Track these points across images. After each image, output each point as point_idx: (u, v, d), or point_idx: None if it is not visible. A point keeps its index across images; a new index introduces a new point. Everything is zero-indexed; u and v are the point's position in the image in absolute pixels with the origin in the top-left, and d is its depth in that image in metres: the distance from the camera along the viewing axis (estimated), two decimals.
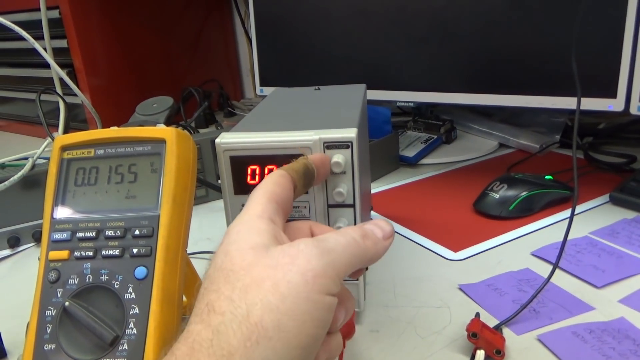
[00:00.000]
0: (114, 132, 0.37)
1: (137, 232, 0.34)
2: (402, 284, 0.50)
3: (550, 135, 0.86)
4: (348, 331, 0.37)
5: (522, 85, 0.77)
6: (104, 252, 0.34)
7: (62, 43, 1.05)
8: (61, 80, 0.96)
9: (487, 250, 0.55)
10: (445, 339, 0.41)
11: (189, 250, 0.46)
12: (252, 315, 0.24)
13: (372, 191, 0.74)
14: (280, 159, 0.40)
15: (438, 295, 0.48)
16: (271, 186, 0.32)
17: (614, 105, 0.71)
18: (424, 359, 0.39)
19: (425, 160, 0.84)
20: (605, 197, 0.65)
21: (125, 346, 0.32)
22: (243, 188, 0.41)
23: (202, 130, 0.99)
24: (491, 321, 0.42)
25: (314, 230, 0.34)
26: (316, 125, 0.40)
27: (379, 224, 0.32)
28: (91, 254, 0.34)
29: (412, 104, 0.90)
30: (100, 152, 0.37)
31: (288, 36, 1.00)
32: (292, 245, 0.27)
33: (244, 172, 0.41)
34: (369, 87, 0.64)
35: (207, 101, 1.04)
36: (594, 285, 0.47)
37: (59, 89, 0.97)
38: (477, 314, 0.42)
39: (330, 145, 0.39)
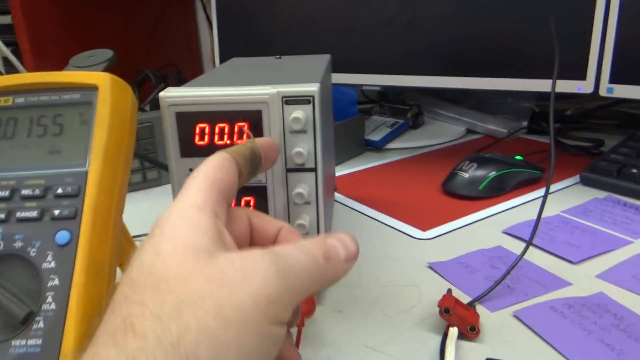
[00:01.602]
0: (37, 76, 0.32)
1: (59, 190, 0.29)
2: (367, 263, 0.46)
3: (518, 121, 0.85)
4: (308, 309, 0.33)
5: (491, 69, 0.75)
6: (18, 214, 0.29)
7: (6, 19, 0.98)
8: (5, 59, 0.89)
9: (457, 229, 0.52)
10: (415, 318, 0.38)
11: (135, 233, 0.42)
12: (184, 344, 0.19)
13: (336, 174, 0.70)
14: (232, 116, 0.35)
15: (406, 274, 0.44)
16: (214, 171, 0.26)
17: (584, 87, 0.70)
18: (392, 338, 0.36)
19: (391, 145, 0.81)
20: (575, 178, 0.63)
21: (41, 324, 0.27)
22: (191, 150, 0.36)
23: None
24: (463, 299, 0.39)
25: (252, 221, 0.29)
26: (274, 83, 0.36)
27: (343, 241, 0.26)
28: (3, 216, 0.29)
29: (378, 88, 0.87)
30: (20, 100, 0.32)
31: (250, 20, 0.95)
32: (245, 257, 0.22)
33: (191, 131, 0.36)
34: (334, 71, 0.60)
35: (164, 83, 0.98)
36: (570, 261, 0.44)
37: (1, 68, 0.90)
38: (449, 290, 0.39)
39: (290, 100, 0.35)
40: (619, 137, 0.77)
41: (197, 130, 0.36)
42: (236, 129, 0.36)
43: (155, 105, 1.01)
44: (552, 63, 0.71)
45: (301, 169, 0.36)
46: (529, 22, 0.71)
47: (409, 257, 0.47)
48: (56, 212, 0.29)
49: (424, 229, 0.52)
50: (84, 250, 0.28)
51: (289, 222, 0.38)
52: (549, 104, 0.89)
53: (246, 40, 0.96)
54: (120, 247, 0.32)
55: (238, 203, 0.38)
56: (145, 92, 1.08)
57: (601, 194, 0.58)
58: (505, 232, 0.50)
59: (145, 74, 1.06)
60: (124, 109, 0.32)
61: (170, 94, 0.35)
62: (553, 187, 0.61)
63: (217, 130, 0.36)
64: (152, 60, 1.20)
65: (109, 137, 0.31)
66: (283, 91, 0.35)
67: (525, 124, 0.84)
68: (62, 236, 0.28)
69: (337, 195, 0.62)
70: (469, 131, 0.87)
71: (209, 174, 0.26)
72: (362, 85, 0.84)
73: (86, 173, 0.30)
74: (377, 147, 0.79)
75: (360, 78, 0.84)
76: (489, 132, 0.84)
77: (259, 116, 0.35)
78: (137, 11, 1.18)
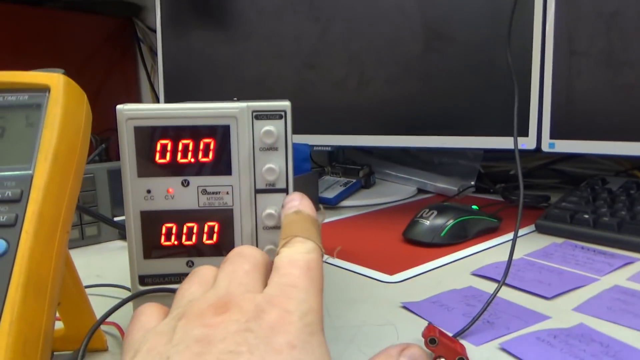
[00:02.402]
0: None
1: None
2: (336, 305, 0.42)
3: (466, 180, 0.86)
4: None
5: (438, 127, 0.77)
6: None
7: None
8: None
9: (424, 273, 0.50)
10: None
11: None
12: None
13: None
14: (198, 132, 0.33)
15: (379, 314, 0.41)
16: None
17: (527, 143, 0.73)
18: None
19: (345, 203, 0.79)
20: (531, 227, 0.64)
21: None
22: (149, 169, 0.33)
23: None
24: None
25: None
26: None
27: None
28: None
29: (329, 148, 0.87)
30: None
31: (198, 87, 0.95)
32: None
33: (152, 148, 0.33)
34: None
35: (105, 144, 0.94)
36: (544, 297, 0.43)
37: None
38: (430, 323, 0.36)
39: (260, 115, 0.33)
40: (561, 193, 0.80)
41: (158, 148, 0.33)
42: (202, 145, 0.33)
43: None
44: (495, 121, 0.74)
45: (271, 189, 0.34)
46: (472, 82, 0.74)
47: (379, 299, 0.44)
48: None
49: (390, 273, 0.49)
50: (22, 262, 0.23)
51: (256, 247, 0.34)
52: (494, 165, 0.92)
53: None
54: (62, 283, 0.27)
55: (201, 229, 0.34)
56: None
57: (558, 240, 0.59)
58: (474, 274, 0.49)
59: None
60: (78, 113, 0.29)
61: (129, 106, 0.32)
62: (511, 235, 0.61)
63: (180, 147, 0.33)
64: (93, 126, 1.16)
65: (59, 140, 0.27)
66: (254, 105, 0.33)
67: (472, 183, 0.86)
68: None
69: None
70: (420, 190, 0.88)
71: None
72: (313, 147, 0.84)
73: (31, 176, 0.26)
74: (332, 204, 0.77)
75: (311, 139, 0.84)
76: (440, 191, 0.85)
77: (227, 131, 0.33)
78: (79, 78, 1.15)
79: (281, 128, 0.33)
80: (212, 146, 0.33)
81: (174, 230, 0.34)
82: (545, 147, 0.72)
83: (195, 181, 0.33)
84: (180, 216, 0.34)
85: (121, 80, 1.27)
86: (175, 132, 0.33)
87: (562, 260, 0.52)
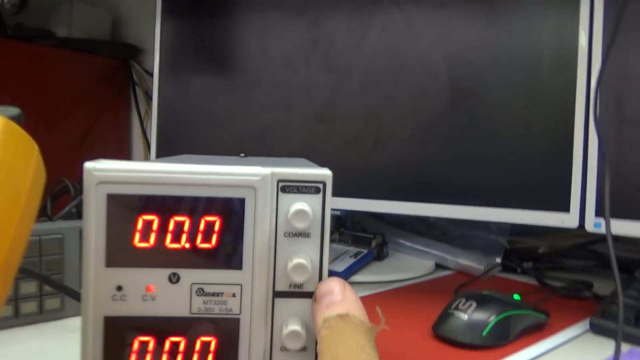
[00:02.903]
0: None
1: None
2: None
3: (490, 257, 0.77)
4: None
5: (465, 196, 0.68)
6: None
7: None
8: None
9: None
10: None
11: None
12: None
13: None
14: (198, 206, 0.23)
15: None
16: None
17: (567, 220, 0.64)
18: None
19: (355, 278, 0.69)
20: (581, 326, 0.53)
21: None
22: (124, 255, 0.23)
23: None
24: None
25: None
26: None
27: None
28: None
29: (337, 213, 0.77)
30: None
31: (194, 142, 0.86)
32: None
33: (130, 225, 0.23)
34: None
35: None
36: None
37: None
38: None
39: (289, 187, 0.23)
40: (599, 278, 0.70)
41: (140, 225, 0.23)
42: (202, 225, 0.23)
43: (72, 219, 0.85)
44: (530, 192, 0.65)
45: (298, 293, 0.23)
46: (504, 149, 0.66)
47: None
48: None
49: None
50: None
51: None
52: (520, 240, 0.83)
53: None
54: None
55: (191, 346, 0.23)
56: (61, 206, 0.92)
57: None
58: None
59: (64, 184, 0.91)
60: (19, 175, 0.19)
61: (103, 165, 0.23)
62: (562, 336, 0.51)
63: (171, 226, 0.23)
64: (75, 172, 1.06)
65: None
66: (280, 173, 0.23)
67: (499, 260, 0.76)
68: None
69: None
70: (438, 266, 0.77)
71: None
72: None
73: None
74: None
75: None
76: (462, 269, 0.75)
77: (240, 208, 0.23)
78: (66, 120, 1.07)
79: (318, 207, 0.23)
80: (216, 227, 0.23)
81: (151, 347, 0.23)
82: (589, 227, 0.62)
83: (189, 276, 0.23)
84: (162, 326, 0.23)
85: (111, 124, 1.18)
86: (166, 205, 0.23)
87: None
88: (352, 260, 0.70)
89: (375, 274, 0.70)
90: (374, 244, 0.75)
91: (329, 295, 0.22)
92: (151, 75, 1.15)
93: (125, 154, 1.23)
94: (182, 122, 0.89)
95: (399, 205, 0.71)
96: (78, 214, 0.87)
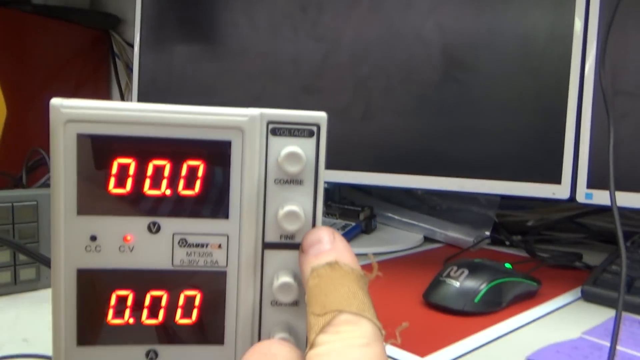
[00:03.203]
0: None
1: None
2: None
3: (479, 230, 0.76)
4: None
5: (456, 168, 0.67)
6: None
7: None
8: None
9: (466, 355, 0.38)
10: None
11: None
12: None
13: None
14: (180, 148, 0.21)
15: None
16: None
17: (558, 192, 0.63)
18: None
19: None
20: (573, 294, 0.53)
21: None
22: (98, 203, 0.21)
23: None
24: None
25: None
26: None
27: None
28: None
29: (325, 185, 0.76)
30: None
31: None
32: None
33: (104, 170, 0.21)
34: None
35: None
36: None
37: None
38: None
39: (280, 129, 0.21)
40: (588, 250, 0.70)
41: (115, 169, 0.21)
42: (184, 170, 0.21)
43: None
44: (523, 163, 0.64)
45: (289, 244, 0.22)
46: (497, 120, 0.65)
47: None
48: None
49: (422, 355, 0.37)
50: None
51: (259, 332, 0.22)
52: (509, 213, 0.82)
53: None
54: None
55: (174, 300, 0.22)
56: (36, 179, 0.89)
57: (611, 312, 0.48)
58: (532, 359, 0.37)
59: (40, 155, 0.88)
60: None
61: (70, 102, 0.20)
62: (555, 303, 0.50)
63: (150, 170, 0.21)
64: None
65: None
66: (270, 114, 0.21)
67: (487, 233, 0.75)
68: None
69: None
70: (427, 239, 0.76)
71: None
72: None
73: None
74: None
75: None
76: (451, 241, 0.74)
77: (226, 151, 0.21)
78: (45, 87, 1.03)
79: (311, 151, 0.21)
80: (200, 172, 0.21)
81: (129, 301, 0.21)
82: (580, 198, 0.62)
83: (170, 226, 0.21)
84: (142, 279, 0.21)
85: (91, 96, 1.14)
86: (144, 147, 0.21)
87: (633, 344, 0.41)
88: (340, 233, 0.69)
89: (363, 247, 0.69)
90: (362, 216, 0.74)
91: (317, 245, 0.20)
92: (132, 46, 1.11)
93: None
94: (164, 94, 0.86)
95: (388, 178, 0.69)
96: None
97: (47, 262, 0.48)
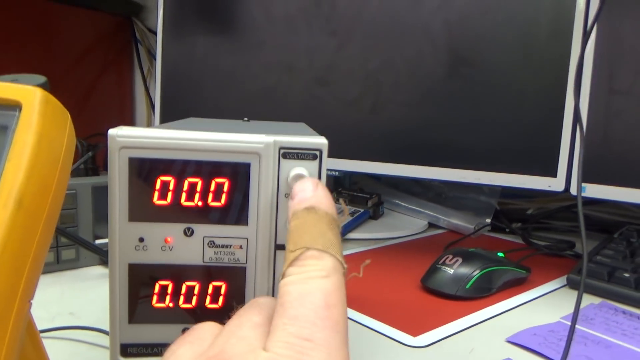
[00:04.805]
0: None
1: None
2: None
3: (480, 217, 0.80)
4: None
5: (459, 159, 0.71)
6: None
7: None
8: None
9: (452, 336, 0.43)
10: None
11: (40, 327, 0.30)
12: None
13: None
14: (210, 169, 0.26)
15: None
16: None
17: (554, 184, 0.67)
18: None
19: (352, 235, 0.73)
20: (560, 281, 0.57)
21: None
22: (145, 211, 0.26)
23: None
24: None
25: None
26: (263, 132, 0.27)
27: None
28: None
29: (336, 173, 0.80)
30: None
31: (199, 100, 0.88)
32: None
33: (150, 185, 0.26)
34: None
35: (92, 151, 0.86)
36: None
37: None
38: None
39: (289, 154, 0.26)
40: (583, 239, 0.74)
41: (158, 185, 0.26)
42: (213, 186, 0.26)
43: (81, 175, 0.88)
44: (522, 156, 0.68)
45: None
46: (498, 115, 0.68)
47: None
48: None
49: (413, 334, 0.43)
50: None
51: None
52: (510, 202, 0.86)
53: (191, 115, 0.88)
54: (22, 353, 0.20)
55: (204, 289, 0.27)
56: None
57: (593, 299, 0.53)
58: (510, 342, 0.42)
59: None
60: (57, 140, 0.22)
61: (124, 132, 0.26)
62: (540, 290, 0.55)
63: (185, 186, 0.26)
64: (81, 128, 1.08)
65: (28, 178, 0.20)
66: (282, 141, 0.26)
67: (488, 221, 0.79)
68: None
69: None
70: (431, 225, 0.81)
71: None
72: None
73: None
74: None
75: None
76: (454, 227, 0.79)
77: (246, 171, 0.26)
78: (70, 76, 1.08)
79: (314, 171, 0.26)
80: (225, 188, 0.26)
81: (169, 290, 0.27)
82: (574, 191, 0.66)
83: (202, 230, 0.27)
84: (179, 272, 0.27)
85: (115, 82, 1.20)
86: (181, 168, 0.26)
87: (606, 329, 0.46)
88: (349, 219, 0.74)
89: (370, 232, 0.74)
90: (370, 203, 0.79)
91: (301, 192, 0.24)
92: (154, 33, 1.16)
93: (128, 112, 1.25)
94: (185, 81, 0.91)
95: (395, 167, 0.74)
96: (86, 171, 0.91)
97: (85, 244, 0.54)
